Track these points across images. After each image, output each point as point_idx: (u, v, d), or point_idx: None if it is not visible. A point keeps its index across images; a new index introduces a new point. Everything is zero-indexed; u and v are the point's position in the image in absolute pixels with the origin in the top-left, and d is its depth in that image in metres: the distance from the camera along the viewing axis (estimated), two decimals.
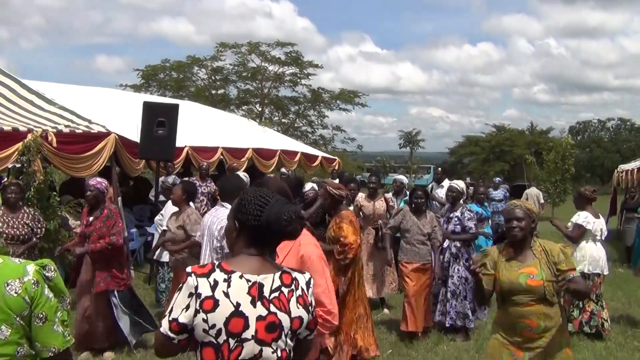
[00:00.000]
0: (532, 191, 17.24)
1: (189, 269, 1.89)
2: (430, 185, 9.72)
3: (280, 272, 1.96)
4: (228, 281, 1.87)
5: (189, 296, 1.86)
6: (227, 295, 1.85)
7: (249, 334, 1.85)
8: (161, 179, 8.56)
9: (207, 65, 30.88)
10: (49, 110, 8.32)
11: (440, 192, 8.82)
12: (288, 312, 1.91)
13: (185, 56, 30.91)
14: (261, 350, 1.86)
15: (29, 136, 6.73)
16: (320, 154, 18.63)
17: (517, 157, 41.93)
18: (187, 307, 1.85)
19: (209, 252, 4.01)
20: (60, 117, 8.17)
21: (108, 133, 8.12)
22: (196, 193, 6.86)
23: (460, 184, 6.41)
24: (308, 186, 6.86)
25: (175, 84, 30.31)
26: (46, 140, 6.98)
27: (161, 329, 1.89)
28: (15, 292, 1.95)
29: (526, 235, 3.28)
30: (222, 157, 12.65)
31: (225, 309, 1.84)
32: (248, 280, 1.90)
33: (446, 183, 8.96)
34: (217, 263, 1.94)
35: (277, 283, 1.93)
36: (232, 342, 1.83)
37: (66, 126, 7.77)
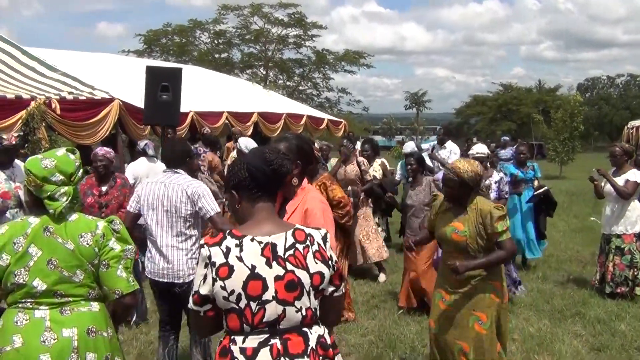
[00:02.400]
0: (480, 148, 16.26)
1: (201, 241, 1.89)
2: (432, 146, 9.34)
3: (292, 230, 1.93)
4: (240, 246, 1.85)
5: (204, 267, 1.85)
6: (240, 259, 1.84)
7: (269, 295, 1.83)
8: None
9: (210, 29, 30.40)
10: (51, 77, 8.21)
11: (443, 154, 8.42)
12: (306, 269, 1.88)
13: (187, 20, 30.43)
14: (284, 310, 1.84)
15: (33, 104, 6.66)
16: (326, 116, 18.46)
17: (524, 116, 41.52)
18: (205, 278, 1.85)
19: (165, 224, 3.64)
20: (63, 83, 8.07)
21: (112, 99, 8.03)
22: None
23: (482, 149, 5.95)
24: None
25: (178, 49, 29.92)
26: (50, 107, 6.91)
27: (189, 305, 1.92)
28: (87, 244, 2.38)
29: (461, 195, 3.44)
30: (227, 121, 12.52)
31: (241, 273, 1.83)
32: (260, 242, 1.87)
33: (449, 144, 8.66)
34: (227, 230, 1.91)
35: (291, 241, 1.90)
36: (253, 305, 1.82)
37: (69, 93, 7.68)
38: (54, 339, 2.31)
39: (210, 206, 3.73)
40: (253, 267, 1.84)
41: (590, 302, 5.67)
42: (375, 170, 7.45)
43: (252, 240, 1.87)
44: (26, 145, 6.63)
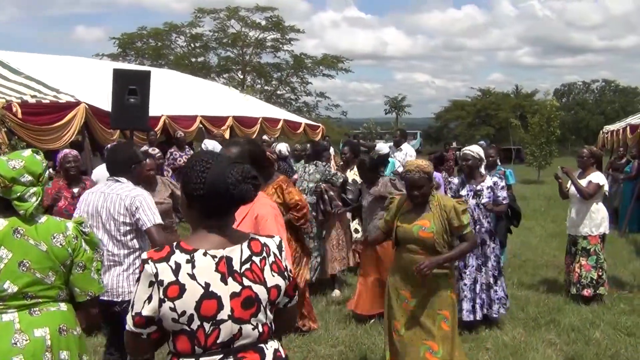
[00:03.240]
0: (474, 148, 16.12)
1: (144, 255, 1.71)
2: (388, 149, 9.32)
3: (247, 241, 1.78)
4: (192, 261, 1.69)
5: (149, 286, 1.68)
6: (193, 277, 1.68)
7: (224, 314, 1.69)
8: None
9: (185, 32, 30.12)
10: (14, 81, 7.99)
11: (399, 156, 8.31)
12: (264, 283, 1.75)
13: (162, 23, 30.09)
14: (240, 329, 1.72)
15: None
16: (303, 121, 18.34)
17: (502, 120, 41.94)
18: (150, 299, 1.68)
19: (105, 237, 3.38)
20: (27, 87, 7.85)
21: (77, 103, 7.81)
22: None
23: (474, 149, 5.27)
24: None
25: (154, 52, 29.58)
26: (10, 111, 6.67)
27: (126, 327, 1.73)
28: (60, 244, 2.38)
29: (428, 192, 3.53)
30: (201, 125, 12.34)
31: (193, 292, 1.67)
32: (214, 257, 1.72)
33: (405, 147, 8.65)
34: (175, 243, 1.74)
35: (247, 253, 1.76)
36: (207, 326, 1.68)
37: (32, 96, 7.45)
38: (26, 340, 2.28)
39: (149, 217, 3.43)
40: (207, 285, 1.69)
41: (564, 309, 5.63)
42: (355, 174, 7.30)
43: (204, 254, 1.71)
44: None
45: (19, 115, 6.74)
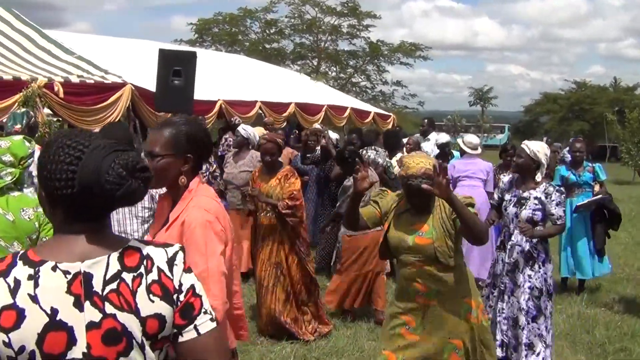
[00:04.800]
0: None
1: None
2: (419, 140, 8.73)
3: (120, 251, 1.31)
4: (35, 278, 1.24)
5: None
6: (35, 299, 1.23)
7: (77, 352, 1.24)
8: None
9: (260, 18, 30.19)
10: (65, 60, 8.04)
11: (427, 147, 7.78)
12: (135, 311, 1.28)
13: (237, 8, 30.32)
14: None
15: (32, 85, 6.42)
16: (373, 109, 17.77)
17: (598, 115, 39.14)
18: None
19: (116, 228, 3.19)
20: (76, 67, 7.86)
21: (123, 84, 7.74)
22: None
23: (534, 145, 4.02)
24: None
25: (229, 38, 29.91)
26: (52, 90, 6.66)
27: None
28: (29, 218, 2.59)
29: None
30: (260, 111, 12.12)
31: (35, 321, 1.23)
32: (66, 273, 1.26)
33: (433, 136, 8.00)
34: (21, 252, 1.30)
35: (115, 268, 1.28)
36: None
37: (79, 76, 7.45)
38: None
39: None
40: (54, 312, 1.23)
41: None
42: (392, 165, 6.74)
43: (54, 269, 1.26)
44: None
45: (61, 95, 6.72)
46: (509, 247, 3.99)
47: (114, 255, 1.30)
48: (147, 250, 1.34)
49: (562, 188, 4.14)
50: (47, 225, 2.58)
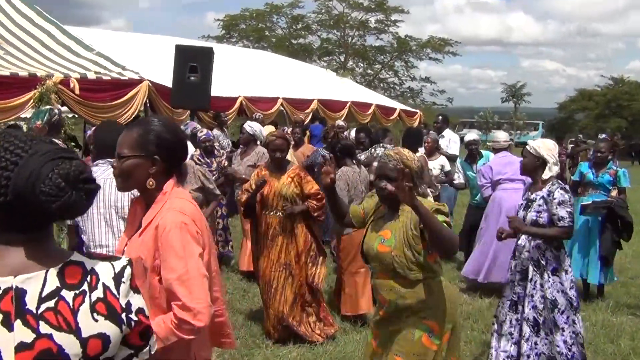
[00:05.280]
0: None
1: None
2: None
3: (60, 266, 1.21)
4: None
5: None
6: None
7: None
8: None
9: (287, 13, 30.14)
10: (84, 57, 8.08)
11: (442, 143, 7.58)
12: (75, 331, 1.18)
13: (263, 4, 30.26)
14: None
15: (48, 82, 6.45)
16: (399, 106, 17.55)
17: (636, 112, 37.99)
18: None
19: (105, 229, 3.12)
20: (95, 63, 7.89)
21: (140, 80, 7.75)
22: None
23: (536, 143, 3.79)
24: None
25: (256, 34, 29.95)
26: (67, 87, 6.69)
27: None
28: None
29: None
30: (282, 108, 12.06)
31: None
32: None
33: (448, 133, 7.77)
34: None
35: (53, 285, 1.19)
36: None
37: (96, 73, 7.47)
38: None
39: None
40: None
41: None
42: (433, 167, 6.60)
43: None
44: None
45: (77, 91, 6.74)
46: (517, 253, 3.78)
47: (53, 271, 1.20)
48: (91, 264, 1.25)
49: (566, 186, 3.80)
50: None
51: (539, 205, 3.66)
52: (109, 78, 7.39)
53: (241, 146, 6.41)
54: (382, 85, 31.00)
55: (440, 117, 8.57)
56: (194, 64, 7.39)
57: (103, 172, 3.13)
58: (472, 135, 7.43)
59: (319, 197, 4.38)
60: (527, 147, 3.79)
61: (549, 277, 3.62)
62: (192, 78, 7.40)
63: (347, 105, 14.10)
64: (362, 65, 32.06)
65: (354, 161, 5.29)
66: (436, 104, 32.49)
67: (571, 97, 49.94)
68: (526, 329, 3.63)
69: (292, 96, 12.64)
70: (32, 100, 6.28)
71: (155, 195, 1.91)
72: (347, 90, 16.16)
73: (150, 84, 7.79)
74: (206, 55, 7.50)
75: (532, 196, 3.74)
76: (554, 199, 3.61)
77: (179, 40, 16.66)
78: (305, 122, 12.58)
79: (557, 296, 3.60)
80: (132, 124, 2.02)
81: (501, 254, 5.56)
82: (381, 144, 6.14)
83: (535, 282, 3.65)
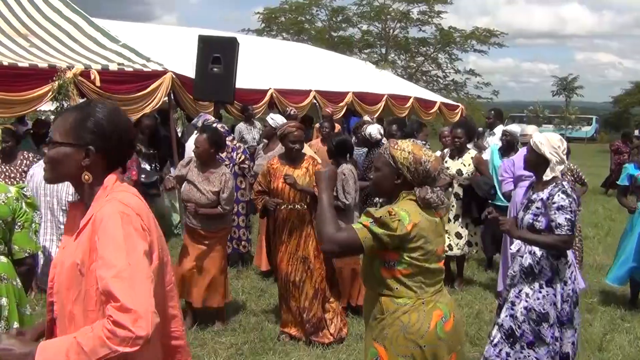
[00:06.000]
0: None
1: None
2: (485, 134, 8.06)
3: None
4: None
5: None
6: None
7: None
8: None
9: (327, 5, 29.83)
10: (110, 48, 8.02)
11: (493, 141, 7.18)
12: None
13: None
14: None
15: (68, 73, 6.39)
16: (439, 99, 17.04)
17: None
18: None
19: (49, 223, 3.02)
20: (119, 54, 7.82)
21: (164, 72, 7.62)
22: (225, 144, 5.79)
23: (539, 137, 3.38)
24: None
25: (296, 27, 29.78)
26: (88, 78, 6.62)
27: None
28: (2, 201, 2.68)
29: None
30: (315, 101, 11.80)
31: None
32: None
33: (499, 129, 7.23)
34: None
35: None
36: None
37: (119, 64, 7.39)
38: None
39: None
40: None
41: None
42: (463, 163, 5.99)
43: None
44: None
45: (97, 83, 6.66)
46: (511, 258, 3.46)
47: None
48: None
49: (569, 189, 3.27)
50: (21, 211, 2.71)
51: (537, 208, 3.31)
52: (131, 70, 7.29)
53: (264, 140, 6.17)
54: (424, 78, 30.34)
55: (492, 112, 8.06)
56: (217, 55, 7.21)
57: None
58: (514, 127, 6.92)
59: None
60: (530, 141, 3.40)
61: (541, 288, 3.26)
62: (215, 69, 7.22)
63: (384, 98, 13.73)
64: (403, 57, 31.45)
65: (349, 157, 5.07)
66: (481, 97, 31.61)
67: (627, 90, 47.93)
68: (496, 334, 3.35)
69: (326, 89, 12.37)
70: (50, 92, 6.22)
71: (94, 192, 1.67)
72: (385, 82, 15.77)
73: (174, 76, 7.65)
74: (230, 46, 7.30)
75: (534, 196, 3.38)
76: (554, 203, 3.23)
77: (214, 33, 16.65)
78: (339, 116, 12.31)
79: (549, 309, 3.23)
80: (73, 107, 1.77)
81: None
82: (412, 139, 5.75)
83: (521, 290, 3.31)
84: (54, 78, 6.12)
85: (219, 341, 4.39)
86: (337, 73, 14.72)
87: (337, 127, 10.84)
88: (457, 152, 5.94)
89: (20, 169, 5.33)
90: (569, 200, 3.21)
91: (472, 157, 5.88)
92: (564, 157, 3.32)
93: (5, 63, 6.09)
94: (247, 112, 9.27)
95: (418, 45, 30.65)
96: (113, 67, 7.14)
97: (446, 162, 5.89)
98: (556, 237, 3.20)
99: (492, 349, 3.34)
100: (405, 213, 2.22)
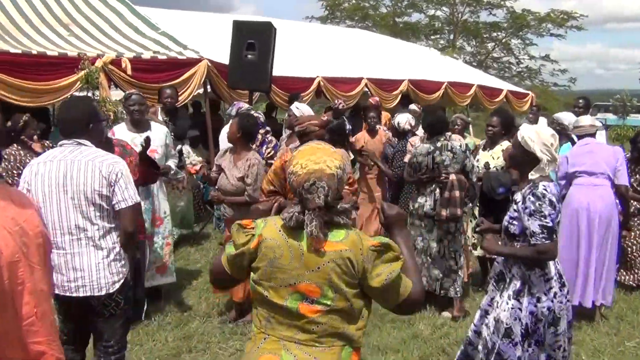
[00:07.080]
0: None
1: None
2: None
3: None
4: None
5: None
6: None
7: None
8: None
9: None
10: (149, 36, 8.00)
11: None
12: None
13: None
14: None
15: (97, 62, 6.36)
16: (505, 86, 16.13)
17: None
18: None
19: (72, 217, 2.83)
20: (157, 42, 7.78)
21: (199, 59, 7.49)
22: (256, 133, 5.50)
23: (528, 130, 2.96)
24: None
25: (359, 12, 29.20)
26: (119, 67, 6.57)
27: None
28: None
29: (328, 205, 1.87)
30: (366, 89, 11.37)
31: None
32: None
33: (542, 121, 6.49)
34: None
35: None
36: None
37: (154, 52, 7.32)
38: None
39: (125, 193, 2.89)
40: None
41: None
42: (492, 155, 5.58)
43: None
44: None
45: (128, 72, 6.60)
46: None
47: None
48: None
49: (542, 190, 2.82)
50: None
51: (515, 211, 2.94)
52: (164, 58, 7.19)
53: (286, 130, 5.87)
54: (494, 65, 29.02)
55: (581, 101, 7.37)
56: (251, 41, 6.98)
57: (70, 153, 2.88)
58: (567, 116, 6.28)
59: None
60: (518, 135, 2.96)
61: (509, 300, 2.89)
62: (250, 56, 7.00)
63: (444, 85, 13.12)
64: (473, 43, 30.17)
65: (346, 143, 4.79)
66: (557, 85, 29.86)
67: None
68: (471, 335, 3.11)
69: (380, 76, 11.91)
70: (79, 82, 6.21)
71: None
72: (446, 69, 15.09)
73: (209, 64, 7.50)
74: (266, 31, 7.04)
75: (516, 197, 3.00)
76: (525, 208, 2.85)
77: (278, 23, 16.51)
78: (393, 105, 11.84)
79: (514, 324, 2.85)
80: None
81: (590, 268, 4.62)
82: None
83: (493, 298, 3.01)
84: (79, 67, 6.09)
85: None
86: (394, 60, 14.20)
87: (387, 116, 10.42)
88: (490, 142, 5.53)
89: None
90: (539, 204, 2.80)
91: (502, 150, 5.35)
92: (557, 155, 2.90)
93: (34, 52, 6.13)
94: (293, 102, 9.00)
95: (489, 29, 29.30)
96: (146, 55, 7.08)
97: (479, 154, 5.48)
98: (532, 248, 2.83)
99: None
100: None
